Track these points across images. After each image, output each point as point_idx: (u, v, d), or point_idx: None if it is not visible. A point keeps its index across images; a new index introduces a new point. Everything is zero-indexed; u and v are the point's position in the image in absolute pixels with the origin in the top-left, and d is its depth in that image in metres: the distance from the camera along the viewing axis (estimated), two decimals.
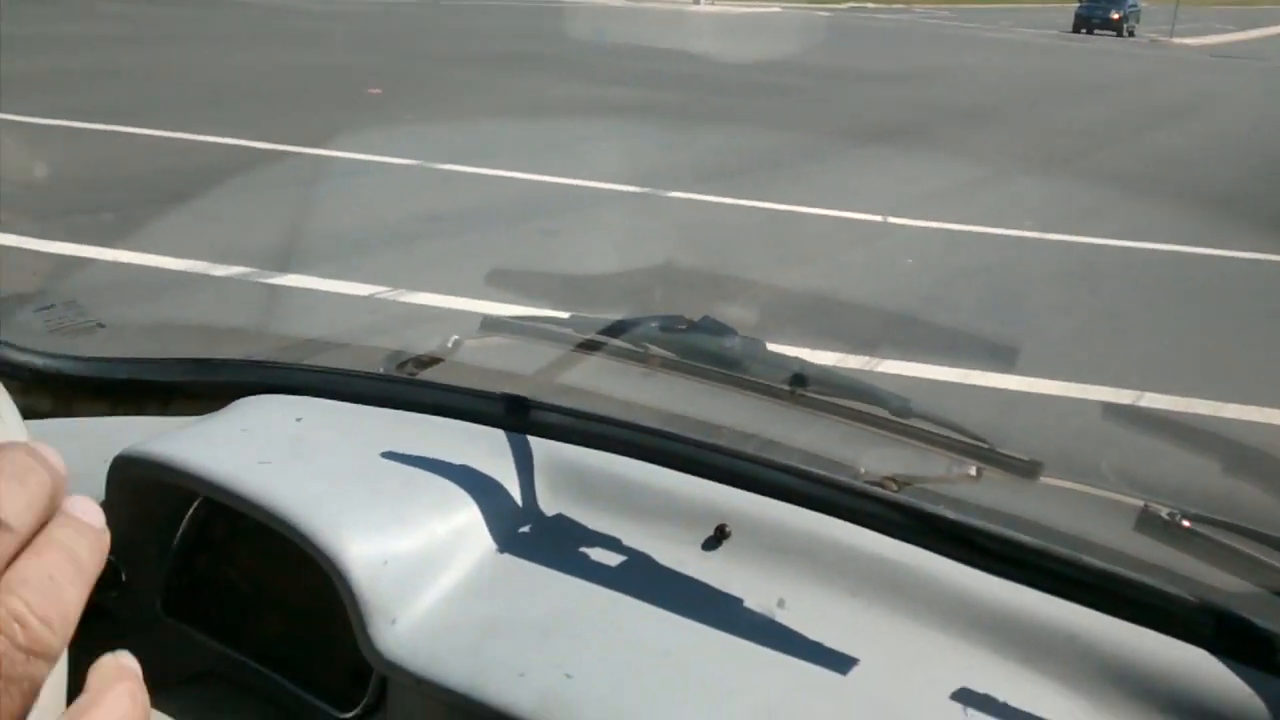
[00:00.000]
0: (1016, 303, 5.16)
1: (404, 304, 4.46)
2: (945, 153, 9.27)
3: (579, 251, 5.63)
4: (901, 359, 3.84)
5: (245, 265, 4.80)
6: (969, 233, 6.37)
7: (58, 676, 0.44)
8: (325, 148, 7.50)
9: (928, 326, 4.76)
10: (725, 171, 7.66)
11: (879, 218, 6.63)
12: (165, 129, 7.73)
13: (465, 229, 5.83)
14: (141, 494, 1.12)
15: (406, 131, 8.43)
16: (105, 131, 7.65)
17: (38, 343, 1.44)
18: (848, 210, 6.70)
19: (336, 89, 10.20)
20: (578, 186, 6.92)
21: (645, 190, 6.95)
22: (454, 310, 4.34)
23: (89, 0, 16.41)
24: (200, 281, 4.59)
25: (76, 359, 1.41)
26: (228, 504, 1.05)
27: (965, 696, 0.83)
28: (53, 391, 1.36)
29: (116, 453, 1.11)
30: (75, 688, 0.45)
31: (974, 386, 3.77)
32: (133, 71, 10.44)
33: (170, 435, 1.14)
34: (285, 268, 4.80)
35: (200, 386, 1.36)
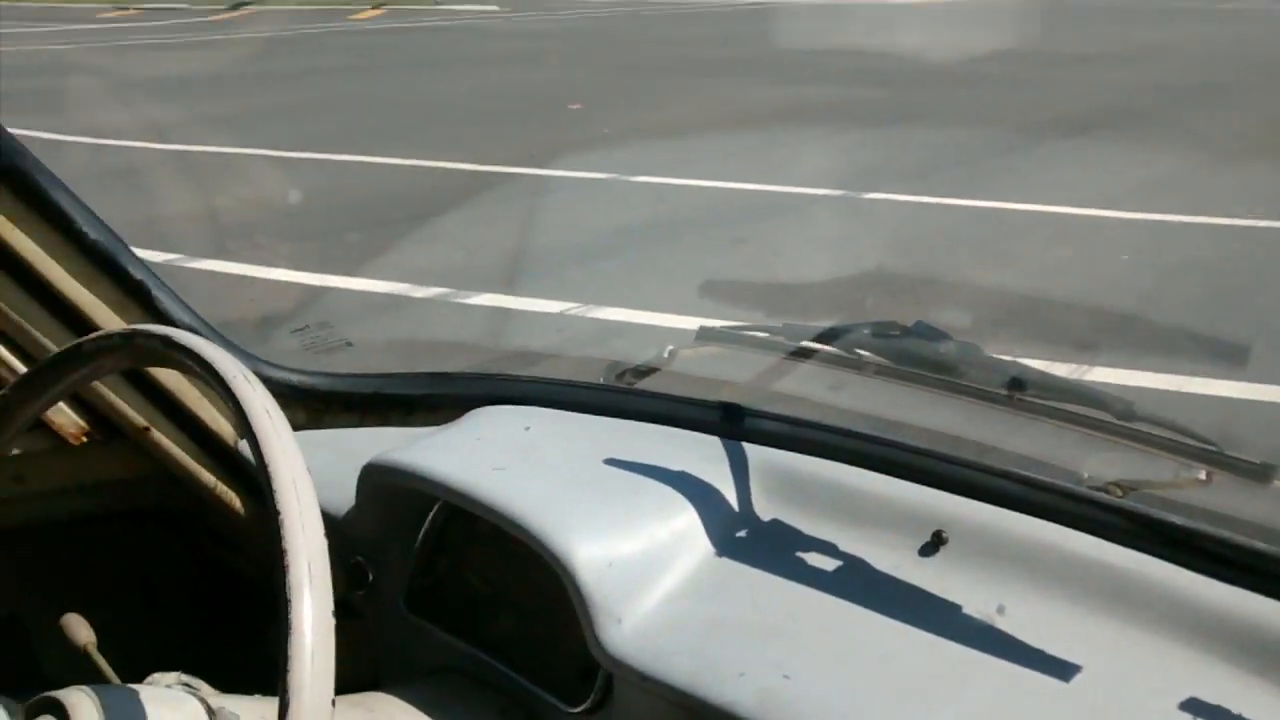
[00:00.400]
0: (1242, 300, 4.74)
1: (591, 319, 4.53)
2: (1165, 138, 8.56)
3: (766, 259, 5.58)
4: (1119, 366, 3.63)
5: (441, 286, 4.98)
6: (1189, 224, 5.94)
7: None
8: (525, 166, 7.64)
9: (1149, 326, 4.47)
10: (925, 169, 7.38)
11: (1092, 211, 6.24)
12: (379, 155, 8.05)
13: (652, 242, 5.87)
14: (387, 499, 1.21)
15: (603, 145, 8.46)
16: (323, 160, 8.03)
17: (293, 361, 1.57)
18: (1058, 205, 6.34)
19: (540, 107, 10.29)
20: (772, 192, 6.80)
21: (841, 193, 6.76)
22: (636, 325, 4.37)
23: (323, 36, 17.43)
24: (403, 302, 4.79)
25: (328, 375, 1.53)
26: (465, 508, 1.12)
27: (1195, 707, 0.81)
28: (307, 406, 1.48)
29: (365, 461, 1.21)
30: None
31: (1197, 395, 3.48)
32: (349, 101, 10.91)
33: (413, 444, 1.23)
34: (471, 287, 4.95)
35: (438, 399, 1.45)
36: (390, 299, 4.85)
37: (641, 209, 6.58)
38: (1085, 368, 3.59)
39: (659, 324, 4.34)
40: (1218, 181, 7.04)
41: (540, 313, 4.65)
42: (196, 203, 6.87)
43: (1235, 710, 0.80)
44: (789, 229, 6.16)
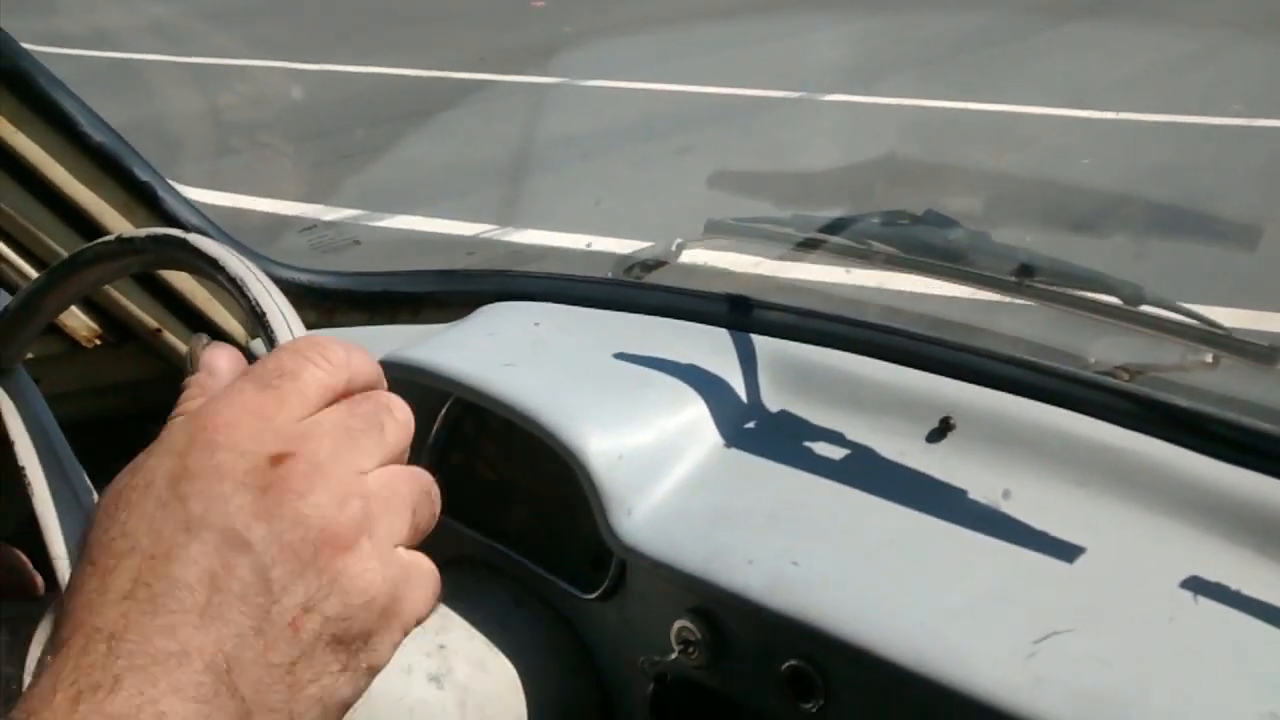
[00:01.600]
0: (1209, 207, 4.36)
1: (505, 243, 4.31)
2: (1153, 25, 7.73)
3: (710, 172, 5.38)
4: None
5: (354, 208, 4.62)
6: (1164, 124, 5.54)
7: None
8: (476, 71, 7.23)
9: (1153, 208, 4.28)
10: (898, 65, 6.88)
11: (1062, 111, 5.82)
12: (322, 62, 7.52)
13: (585, 156, 5.49)
14: (400, 396, 1.22)
15: (561, 47, 7.87)
16: (262, 69, 7.54)
17: (302, 260, 1.57)
18: (1031, 105, 5.94)
19: (502, 3, 9.47)
20: (733, 95, 6.34)
21: (799, 95, 6.26)
22: (553, 248, 4.11)
23: None
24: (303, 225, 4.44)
25: (337, 274, 1.54)
26: (477, 403, 1.14)
27: (1196, 584, 0.83)
28: (316, 304, 1.49)
29: (376, 359, 1.22)
30: None
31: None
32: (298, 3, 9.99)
33: (424, 341, 1.24)
34: (387, 208, 4.66)
35: (447, 295, 1.46)
36: (293, 222, 4.50)
37: (584, 118, 6.16)
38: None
39: (576, 246, 4.05)
40: (1200, 75, 6.54)
41: (453, 236, 4.43)
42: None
43: (1235, 587, 0.82)
44: (737, 136, 5.78)
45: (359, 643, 0.44)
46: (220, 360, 0.55)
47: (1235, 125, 5.44)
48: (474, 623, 1.07)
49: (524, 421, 1.07)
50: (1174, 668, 0.78)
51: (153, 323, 1.44)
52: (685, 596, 0.96)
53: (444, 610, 1.06)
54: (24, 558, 0.86)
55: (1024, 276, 1.09)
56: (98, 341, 1.46)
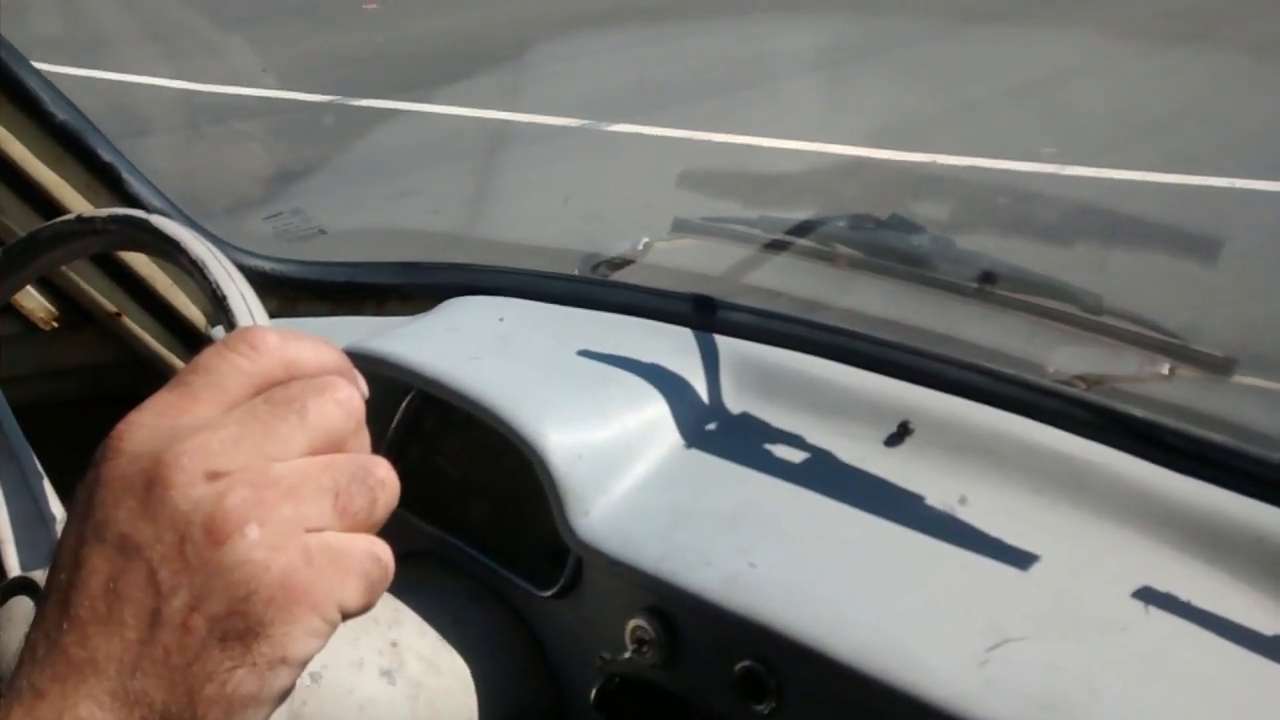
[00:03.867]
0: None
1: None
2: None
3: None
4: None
5: None
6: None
7: None
8: (249, 86, 6.35)
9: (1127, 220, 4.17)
10: (703, 90, 5.95)
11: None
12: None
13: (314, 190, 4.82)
14: None
15: (357, 60, 6.95)
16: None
17: (266, 248, 1.56)
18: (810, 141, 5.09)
19: (332, 4, 8.44)
20: (512, 122, 5.64)
21: (584, 123, 5.51)
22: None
23: None
24: None
25: (300, 263, 1.52)
26: (438, 396, 1.13)
27: (1147, 594, 0.83)
28: (279, 293, 1.48)
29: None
30: None
31: None
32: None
33: (387, 333, 1.23)
34: None
35: (412, 288, 1.45)
36: None
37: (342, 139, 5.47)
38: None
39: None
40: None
41: None
42: None
43: (1184, 597, 0.83)
44: (471, 176, 5.08)
45: (251, 637, 0.42)
46: None
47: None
48: (428, 618, 1.06)
49: (484, 415, 1.07)
50: (1125, 676, 0.79)
51: (112, 306, 1.42)
52: (641, 595, 0.96)
53: (398, 605, 1.06)
54: None
55: (986, 283, 1.10)
56: (55, 324, 1.45)
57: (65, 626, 0.42)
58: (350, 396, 0.48)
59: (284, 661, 0.43)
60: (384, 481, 0.47)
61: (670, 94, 6.05)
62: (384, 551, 0.46)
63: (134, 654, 0.42)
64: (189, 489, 0.43)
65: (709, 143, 5.26)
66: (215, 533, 0.42)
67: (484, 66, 6.63)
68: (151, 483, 0.43)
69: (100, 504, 0.43)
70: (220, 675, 0.42)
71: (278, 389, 0.46)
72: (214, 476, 0.43)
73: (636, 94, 6.03)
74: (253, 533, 0.43)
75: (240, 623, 0.42)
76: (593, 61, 6.66)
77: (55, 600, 0.43)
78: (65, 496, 1.02)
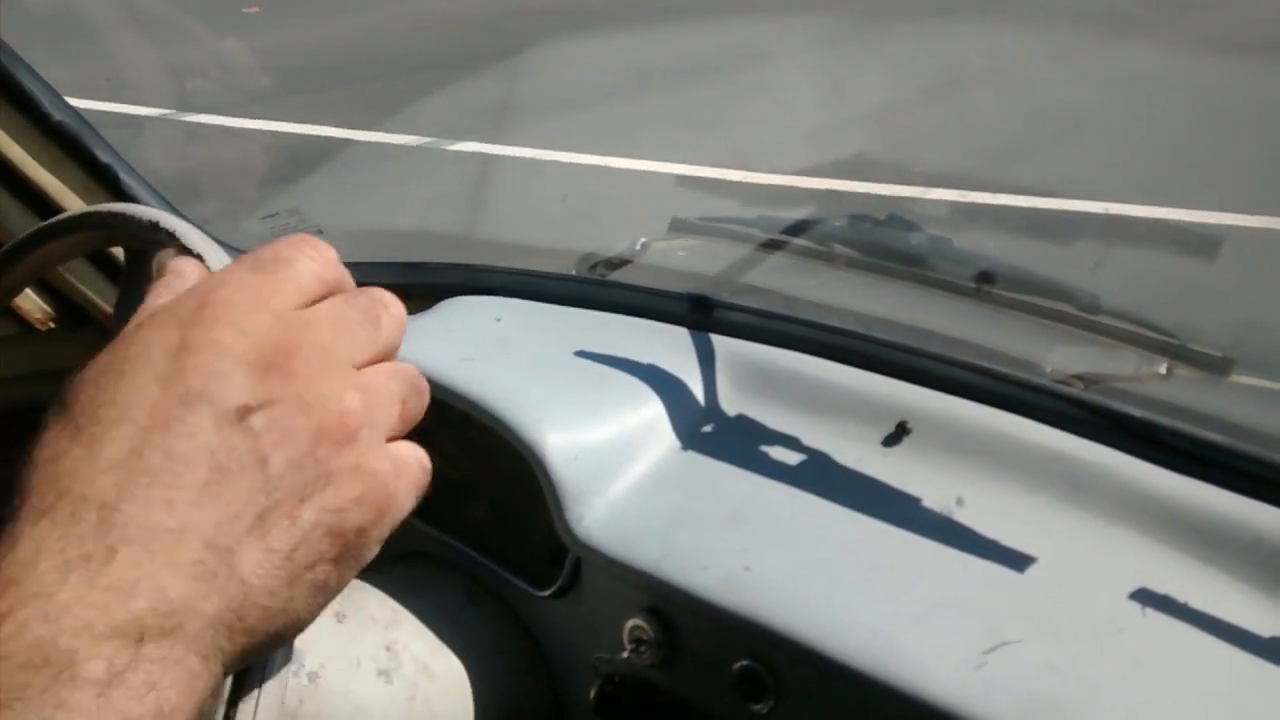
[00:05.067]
0: None
1: None
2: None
3: None
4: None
5: None
6: None
7: None
8: (88, 98, 5.60)
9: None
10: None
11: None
12: None
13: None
14: None
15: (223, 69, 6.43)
16: None
17: None
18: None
19: (211, 7, 7.67)
20: (352, 141, 5.29)
21: (424, 140, 5.10)
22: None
23: None
24: None
25: None
26: (435, 395, 1.13)
27: (1144, 595, 0.83)
28: None
29: None
30: None
31: None
32: None
33: None
34: None
35: (410, 288, 1.45)
36: None
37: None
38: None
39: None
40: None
41: None
42: None
43: (1182, 599, 0.83)
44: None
45: (351, 535, 0.43)
46: (186, 266, 0.55)
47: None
48: (426, 618, 1.06)
49: (482, 416, 1.07)
50: (1122, 677, 0.79)
51: (109, 307, 1.42)
52: (639, 595, 0.96)
53: (395, 605, 1.06)
54: None
55: (983, 282, 1.10)
56: (51, 325, 1.44)
57: (142, 485, 0.39)
58: (402, 310, 0.50)
59: (362, 562, 0.44)
60: (425, 388, 0.49)
61: (531, 110, 5.58)
62: (426, 459, 0.48)
63: (231, 529, 0.40)
64: (312, 380, 0.43)
65: (557, 163, 4.91)
66: (337, 430, 0.43)
67: (350, 78, 6.27)
68: (272, 363, 0.43)
69: (197, 370, 0.42)
70: (320, 566, 0.42)
71: (355, 295, 0.48)
72: (332, 372, 0.44)
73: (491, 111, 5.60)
74: (365, 436, 0.44)
75: (346, 521, 0.43)
76: (462, 75, 6.12)
77: (114, 457, 0.40)
78: None
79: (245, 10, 7.76)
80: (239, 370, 0.42)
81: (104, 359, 0.44)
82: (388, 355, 0.48)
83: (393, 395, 0.46)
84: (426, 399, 0.49)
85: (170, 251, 0.62)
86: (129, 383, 0.42)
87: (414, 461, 0.47)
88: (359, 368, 0.46)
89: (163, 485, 0.40)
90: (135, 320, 0.46)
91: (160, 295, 0.51)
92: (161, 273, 0.55)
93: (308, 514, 0.42)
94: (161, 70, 6.37)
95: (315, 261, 0.48)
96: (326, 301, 0.47)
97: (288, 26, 7.36)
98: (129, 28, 6.97)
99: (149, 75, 6.28)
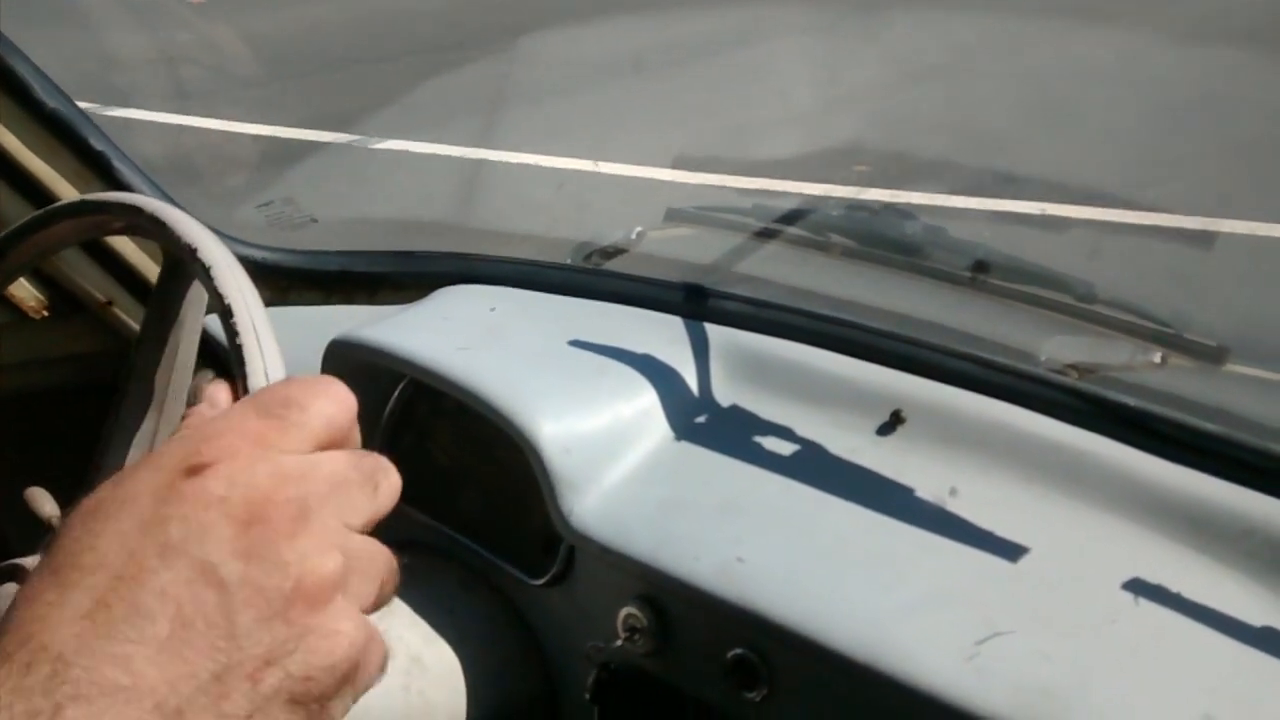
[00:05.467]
0: None
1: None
2: None
3: None
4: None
5: None
6: None
7: None
8: None
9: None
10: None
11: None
12: None
13: None
14: (353, 376, 1.20)
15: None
16: None
17: (258, 237, 1.56)
18: None
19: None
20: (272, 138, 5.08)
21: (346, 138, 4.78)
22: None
23: None
24: None
25: (293, 252, 1.52)
26: (430, 385, 1.13)
27: (1137, 584, 0.83)
28: (271, 282, 1.47)
29: (331, 338, 1.21)
30: None
31: None
32: None
33: (379, 322, 1.23)
34: None
35: (405, 277, 1.45)
36: None
37: None
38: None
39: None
40: None
41: None
42: None
43: (1175, 588, 0.83)
44: None
45: (315, 705, 0.41)
46: (222, 395, 0.54)
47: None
48: (420, 606, 1.06)
49: (477, 405, 1.07)
50: (1116, 666, 0.79)
51: (102, 296, 1.42)
52: (633, 584, 0.96)
53: None
54: None
55: (979, 272, 1.10)
56: (45, 313, 1.44)
57: (102, 639, 0.38)
58: (399, 485, 0.49)
59: None
60: (396, 575, 0.48)
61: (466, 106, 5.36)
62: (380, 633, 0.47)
63: (186, 690, 0.39)
64: (295, 537, 0.41)
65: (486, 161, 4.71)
66: (312, 595, 0.41)
67: (286, 71, 6.00)
68: (258, 516, 0.41)
69: (180, 519, 0.41)
70: None
71: (363, 455, 0.47)
72: (318, 530, 0.42)
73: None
74: (341, 603, 0.42)
75: (313, 688, 0.41)
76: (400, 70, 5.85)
77: (81, 606, 0.39)
78: (54, 487, 1.02)
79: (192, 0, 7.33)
80: (222, 523, 0.41)
81: (100, 495, 0.43)
82: (374, 522, 0.47)
83: (377, 568, 0.45)
84: (396, 581, 0.47)
85: (209, 375, 0.61)
86: (113, 527, 0.41)
87: (379, 638, 0.45)
88: (351, 530, 0.44)
89: (123, 639, 0.39)
90: (146, 458, 0.45)
91: (192, 426, 0.49)
92: (197, 398, 0.54)
93: (271, 678, 0.40)
94: (99, 61, 6.07)
95: (331, 406, 0.47)
96: (332, 453, 0.46)
97: (238, 18, 6.97)
98: (69, 16, 6.49)
99: (86, 66, 5.82)
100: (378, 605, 0.46)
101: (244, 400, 0.47)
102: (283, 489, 0.42)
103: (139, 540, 0.40)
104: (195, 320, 0.81)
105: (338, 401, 0.47)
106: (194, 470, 0.42)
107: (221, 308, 0.65)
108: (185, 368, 0.81)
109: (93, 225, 0.82)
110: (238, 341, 0.61)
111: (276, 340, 0.64)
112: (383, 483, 0.47)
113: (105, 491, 0.43)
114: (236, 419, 0.45)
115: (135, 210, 0.76)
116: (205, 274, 0.67)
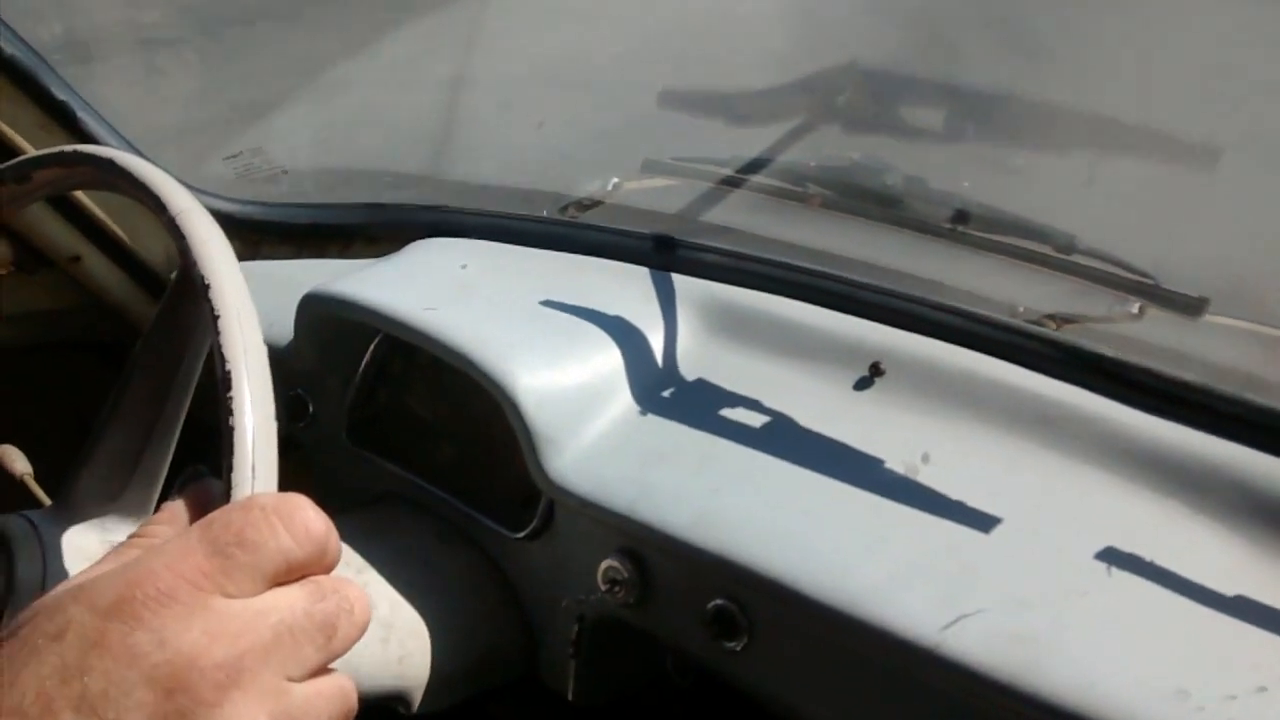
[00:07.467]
0: None
1: None
2: None
3: None
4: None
5: None
6: None
7: None
8: None
9: None
10: None
11: None
12: None
13: None
14: (326, 331, 1.20)
15: None
16: None
17: (227, 189, 1.53)
18: None
19: None
20: None
21: None
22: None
23: None
24: None
25: (263, 204, 1.50)
26: (405, 339, 1.12)
27: (1116, 536, 0.84)
28: (241, 236, 1.45)
29: (303, 293, 1.19)
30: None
31: None
32: None
33: (351, 276, 1.21)
34: None
35: (378, 229, 1.43)
36: None
37: None
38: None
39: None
40: None
41: None
42: None
43: (1156, 540, 0.83)
44: None
45: None
46: (182, 515, 0.50)
47: None
48: (398, 560, 1.06)
49: (453, 359, 1.06)
50: (1093, 615, 0.79)
51: (70, 250, 1.39)
52: (613, 536, 0.96)
53: (367, 548, 1.05)
54: None
55: (958, 223, 1.09)
56: (11, 268, 1.42)
57: None
58: (366, 617, 0.46)
59: None
60: (354, 706, 0.46)
61: None
62: None
63: None
64: (218, 709, 0.40)
65: None
66: None
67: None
68: (177, 687, 0.39)
69: (102, 673, 0.39)
70: None
71: (322, 596, 0.44)
72: (245, 699, 0.40)
73: None
74: None
75: None
76: None
77: None
78: (24, 444, 1.00)
79: None
80: (142, 687, 0.39)
81: (32, 614, 0.41)
82: (331, 663, 0.45)
83: (324, 716, 0.43)
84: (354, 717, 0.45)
85: (200, 469, 0.57)
86: (33, 668, 0.39)
87: None
88: (294, 680, 0.42)
89: None
90: (101, 567, 0.43)
91: (161, 522, 0.48)
92: (181, 494, 0.51)
93: None
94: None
95: (289, 540, 0.44)
96: (284, 595, 0.43)
97: None
98: None
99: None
100: None
101: (198, 527, 0.45)
102: (214, 650, 0.40)
103: (57, 689, 0.39)
104: (201, 345, 0.77)
105: (300, 533, 0.45)
106: (126, 615, 0.40)
107: (221, 374, 0.61)
108: (185, 388, 0.77)
109: (63, 180, 0.79)
110: (230, 423, 0.57)
111: (274, 442, 0.59)
112: (342, 626, 0.44)
113: (39, 614, 0.41)
114: (180, 554, 0.43)
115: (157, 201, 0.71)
116: (214, 322, 0.63)
